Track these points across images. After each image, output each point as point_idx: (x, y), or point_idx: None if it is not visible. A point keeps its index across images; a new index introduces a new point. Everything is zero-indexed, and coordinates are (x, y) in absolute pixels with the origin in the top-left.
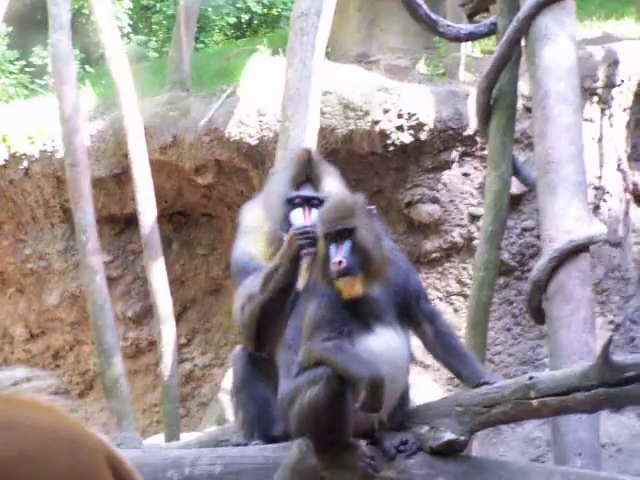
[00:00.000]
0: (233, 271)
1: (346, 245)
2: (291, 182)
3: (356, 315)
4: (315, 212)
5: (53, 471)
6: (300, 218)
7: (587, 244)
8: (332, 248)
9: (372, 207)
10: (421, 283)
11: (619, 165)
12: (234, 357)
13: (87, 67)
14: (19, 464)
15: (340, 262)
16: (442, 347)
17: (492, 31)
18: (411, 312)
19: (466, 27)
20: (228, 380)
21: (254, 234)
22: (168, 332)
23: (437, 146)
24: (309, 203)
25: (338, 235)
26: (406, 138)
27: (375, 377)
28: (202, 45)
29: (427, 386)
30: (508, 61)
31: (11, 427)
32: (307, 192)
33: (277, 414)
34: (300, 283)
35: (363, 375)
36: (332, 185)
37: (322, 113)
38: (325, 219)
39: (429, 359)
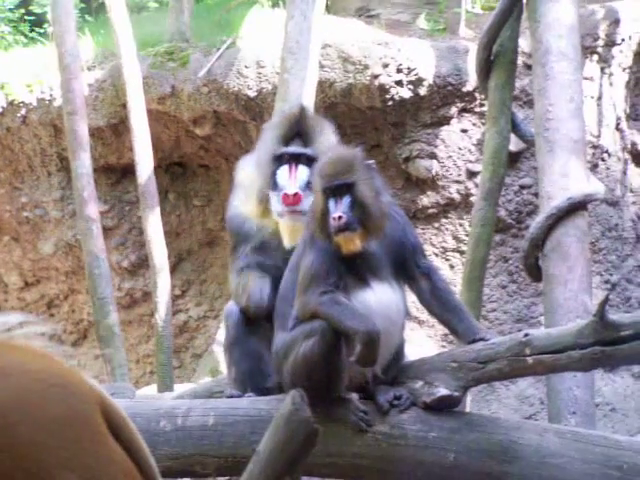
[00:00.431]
0: (228, 229)
1: (345, 200)
2: (280, 138)
3: (352, 269)
4: (302, 169)
5: (46, 417)
6: (285, 176)
7: (585, 202)
8: (331, 203)
9: (371, 162)
10: (418, 238)
11: (618, 124)
12: (226, 312)
13: (87, 16)
14: (11, 410)
15: (340, 217)
16: (438, 303)
17: None
18: (408, 267)
19: None
20: (222, 332)
21: (246, 191)
22: (163, 283)
23: (436, 102)
24: (297, 160)
25: (337, 190)
26: (405, 93)
27: (370, 331)
28: None
29: (421, 342)
30: (509, 17)
31: (4, 372)
32: (295, 148)
33: (269, 369)
34: (290, 240)
35: (358, 329)
36: (324, 141)
37: (321, 66)
38: (324, 173)
39: (424, 315)
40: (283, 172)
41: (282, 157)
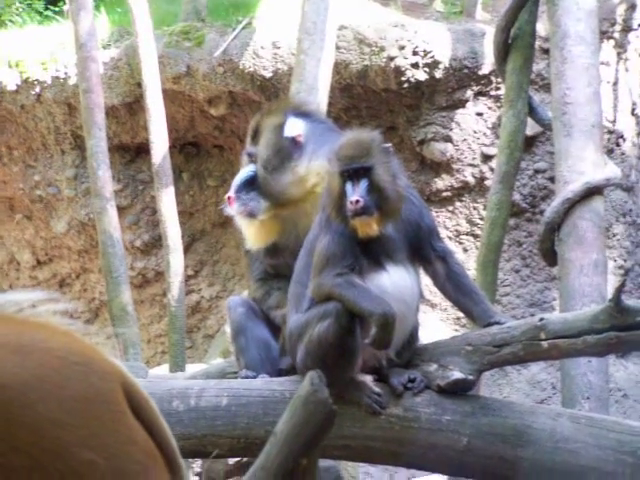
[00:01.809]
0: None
1: (363, 184)
2: (250, 137)
3: (368, 252)
4: (246, 169)
5: (66, 395)
6: (239, 176)
7: (602, 187)
8: (348, 186)
9: (388, 145)
10: (434, 221)
11: (633, 110)
12: (229, 305)
13: None
14: (32, 388)
15: (357, 201)
16: (453, 286)
17: None
18: (423, 250)
19: None
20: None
21: None
22: (176, 263)
23: (452, 84)
24: (250, 160)
25: (355, 173)
26: (421, 75)
27: (386, 314)
28: None
29: (434, 325)
30: (528, 0)
31: (25, 350)
32: (250, 148)
33: (277, 354)
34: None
35: (375, 311)
36: (265, 138)
37: (337, 48)
38: (341, 156)
39: (437, 298)
40: (241, 171)
41: (244, 159)
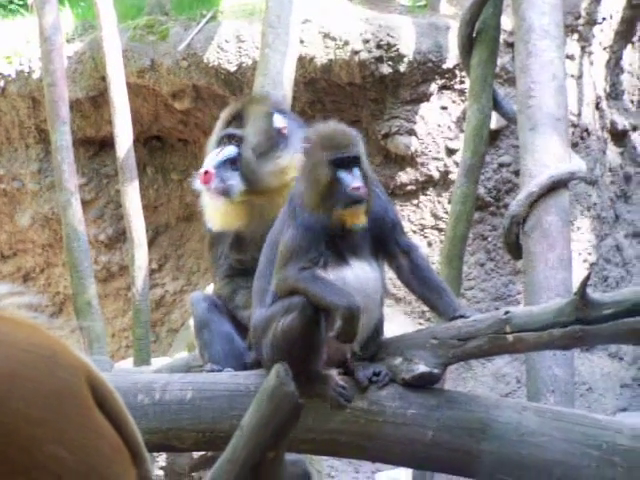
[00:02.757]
0: (204, 225)
1: (357, 172)
2: (223, 121)
3: (332, 246)
4: (230, 148)
5: (36, 390)
6: (210, 157)
7: (567, 180)
8: (343, 174)
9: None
10: (398, 215)
11: (598, 103)
12: (192, 300)
13: None
14: (1, 382)
15: (359, 187)
16: (418, 280)
17: None
18: (388, 245)
19: None
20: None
21: None
22: (140, 257)
23: (416, 78)
24: (229, 141)
25: (347, 161)
26: (385, 69)
27: (351, 306)
28: None
29: (399, 319)
30: None
31: None
32: (229, 130)
33: (242, 347)
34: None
35: (340, 304)
36: (254, 123)
37: (301, 42)
38: (332, 145)
39: (402, 292)
40: (212, 152)
41: (221, 140)
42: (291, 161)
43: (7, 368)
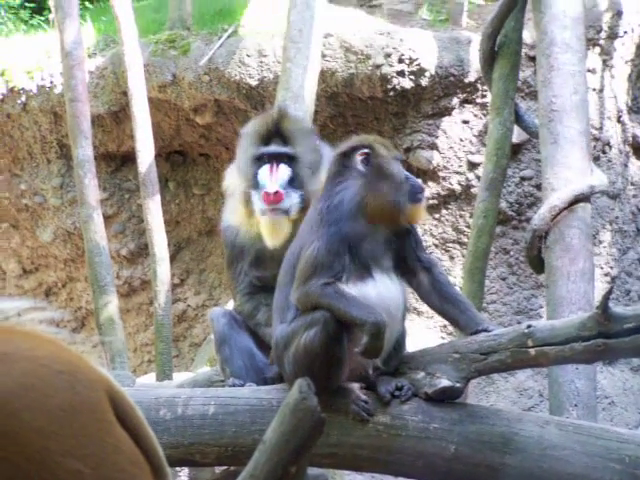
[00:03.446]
0: (223, 242)
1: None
2: (259, 139)
3: (356, 258)
4: (283, 168)
5: (51, 404)
6: (266, 175)
7: (588, 194)
8: (407, 173)
9: None
10: (418, 232)
11: (619, 117)
12: (212, 316)
13: (87, 4)
14: (16, 397)
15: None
16: (439, 295)
17: None
18: (408, 260)
19: None
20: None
21: (233, 198)
22: (162, 271)
23: (438, 92)
24: (277, 159)
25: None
26: (407, 83)
27: (378, 323)
28: None
29: (421, 333)
30: (514, 7)
31: (10, 359)
32: (275, 148)
33: (263, 362)
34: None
35: (367, 320)
36: (303, 140)
37: (323, 56)
38: (389, 146)
39: (424, 306)
40: (264, 171)
41: (262, 157)
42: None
43: (22, 382)
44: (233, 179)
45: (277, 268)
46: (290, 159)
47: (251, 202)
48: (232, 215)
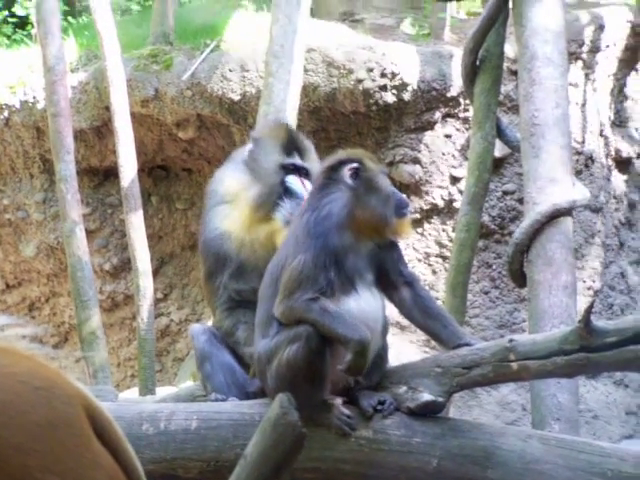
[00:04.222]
0: (203, 253)
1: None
2: (282, 148)
3: (342, 273)
4: (307, 182)
5: (30, 421)
6: (298, 185)
7: (570, 208)
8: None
9: None
10: (400, 246)
11: (602, 131)
12: (192, 333)
13: (69, 19)
14: None
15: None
16: (420, 310)
17: None
18: (390, 275)
19: None
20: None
21: (232, 202)
22: (145, 286)
23: (420, 106)
24: (299, 172)
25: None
26: (389, 98)
27: (362, 340)
28: None
29: (403, 347)
30: (495, 22)
31: None
32: (300, 161)
33: (244, 377)
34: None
35: (352, 338)
36: (313, 157)
37: (305, 70)
38: (376, 161)
39: (405, 320)
40: (295, 181)
41: (287, 168)
42: None
43: (2, 399)
44: (238, 183)
45: (257, 282)
46: (306, 174)
47: (272, 210)
48: (225, 221)
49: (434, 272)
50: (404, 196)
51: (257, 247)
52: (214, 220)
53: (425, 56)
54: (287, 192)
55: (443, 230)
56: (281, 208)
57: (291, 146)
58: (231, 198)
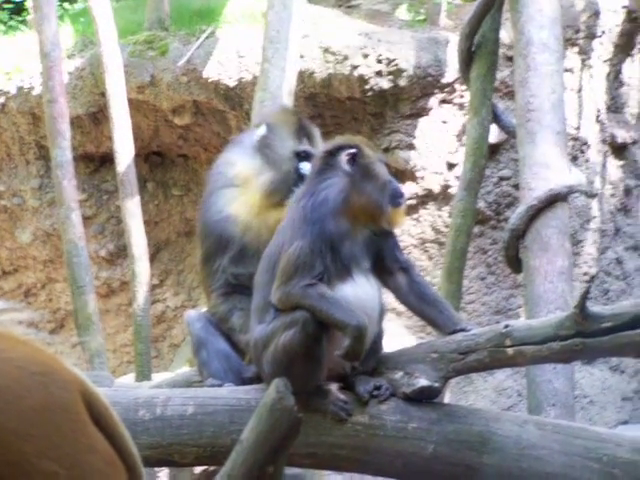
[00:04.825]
0: (204, 235)
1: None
2: (295, 134)
3: (338, 259)
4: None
5: (26, 406)
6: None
7: (566, 193)
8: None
9: None
10: (396, 233)
11: (598, 116)
12: (188, 319)
13: (65, 5)
14: None
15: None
16: (416, 296)
17: None
18: (386, 261)
19: None
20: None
21: (241, 186)
22: (141, 272)
23: (416, 92)
24: (311, 159)
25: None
26: (385, 84)
27: (360, 326)
28: None
29: (399, 333)
30: (491, 7)
31: None
32: (310, 147)
33: (240, 363)
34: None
35: (350, 323)
36: (321, 143)
37: (301, 56)
38: (374, 148)
39: (402, 306)
40: (308, 168)
41: (300, 154)
42: None
43: None
44: (250, 166)
45: (256, 267)
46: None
47: (286, 196)
48: (232, 204)
49: (430, 258)
50: (400, 186)
51: (264, 232)
52: (218, 202)
53: (421, 42)
54: (301, 179)
55: (439, 216)
56: (294, 195)
57: (302, 132)
58: (240, 182)
